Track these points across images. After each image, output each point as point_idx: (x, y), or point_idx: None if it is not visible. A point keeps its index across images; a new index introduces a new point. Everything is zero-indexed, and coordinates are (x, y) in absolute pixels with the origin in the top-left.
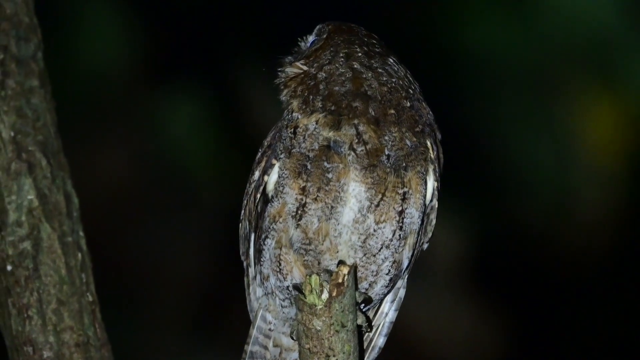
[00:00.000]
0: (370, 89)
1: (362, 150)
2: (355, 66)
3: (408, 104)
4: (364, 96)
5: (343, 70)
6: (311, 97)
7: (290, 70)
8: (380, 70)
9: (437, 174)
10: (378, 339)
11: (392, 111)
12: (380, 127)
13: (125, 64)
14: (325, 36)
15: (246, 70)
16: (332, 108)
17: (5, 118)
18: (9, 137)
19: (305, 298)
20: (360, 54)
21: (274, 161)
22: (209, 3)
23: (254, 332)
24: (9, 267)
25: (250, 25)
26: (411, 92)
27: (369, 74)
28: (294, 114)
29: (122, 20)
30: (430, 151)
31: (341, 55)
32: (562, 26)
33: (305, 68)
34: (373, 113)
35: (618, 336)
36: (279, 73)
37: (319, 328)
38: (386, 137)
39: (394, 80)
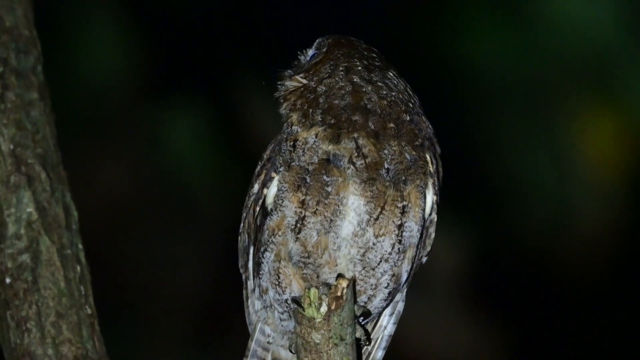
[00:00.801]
0: (370, 102)
1: (361, 164)
2: (355, 80)
3: (407, 118)
4: (364, 110)
5: (343, 84)
6: (311, 110)
7: (290, 84)
8: (380, 84)
9: (436, 188)
10: (377, 353)
11: (392, 125)
12: (380, 141)
13: (125, 77)
14: (325, 50)
15: (245, 83)
16: (332, 121)
17: (4, 131)
18: (9, 149)
19: (304, 311)
20: (360, 68)
21: (273, 174)
22: (209, 17)
23: (252, 345)
24: (7, 280)
25: (249, 38)
26: (411, 105)
27: (369, 88)
28: (293, 127)
29: (122, 34)
30: (430, 165)
31: (341, 68)
32: (561, 40)
33: (304, 81)
34: (372, 127)
35: (617, 350)
36: (279, 86)
37: (317, 341)
38: (386, 151)
39: (393, 94)
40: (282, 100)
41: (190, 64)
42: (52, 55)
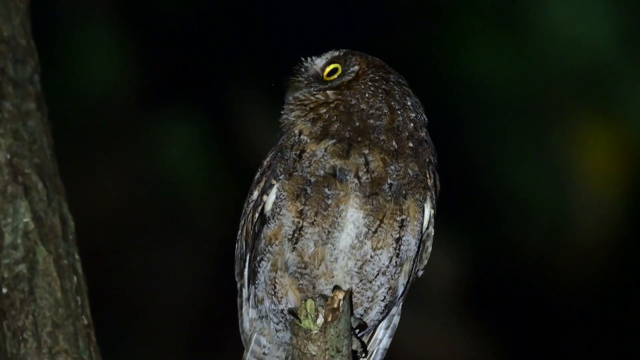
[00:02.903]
0: (401, 125)
1: (367, 179)
2: (392, 103)
3: (426, 138)
4: (394, 131)
5: (381, 105)
6: (337, 125)
7: (319, 97)
8: (410, 108)
9: (434, 202)
10: None
11: (411, 144)
12: (397, 159)
13: (121, 87)
14: (356, 68)
15: (241, 94)
16: (347, 136)
17: (1, 140)
18: (5, 159)
19: (301, 323)
20: (397, 92)
21: (273, 181)
22: (204, 28)
23: (248, 356)
24: (4, 290)
25: (244, 49)
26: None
27: (402, 112)
28: (302, 137)
29: (119, 45)
30: (428, 179)
31: (380, 91)
32: (559, 54)
33: (334, 97)
34: (396, 146)
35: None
36: (300, 96)
37: (314, 353)
38: (392, 167)
39: (418, 116)
40: (307, 110)
41: (186, 75)
42: (49, 65)
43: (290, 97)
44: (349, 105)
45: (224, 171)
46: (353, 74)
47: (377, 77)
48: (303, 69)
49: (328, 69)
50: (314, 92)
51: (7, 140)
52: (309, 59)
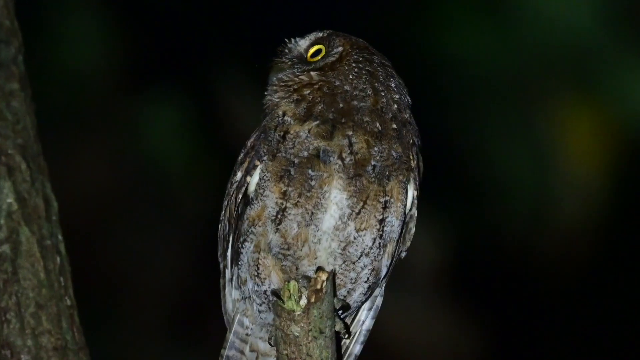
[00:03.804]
0: (385, 106)
1: (350, 160)
2: (376, 85)
3: (409, 120)
4: (378, 112)
5: (365, 86)
6: (321, 106)
7: (302, 78)
8: (394, 90)
9: (417, 183)
10: (354, 347)
11: (394, 126)
12: (381, 141)
13: (105, 69)
14: (340, 49)
15: (225, 76)
16: (330, 117)
17: None
18: None
19: (284, 304)
20: (380, 74)
21: (256, 162)
22: (189, 9)
23: (230, 337)
24: None
25: (229, 31)
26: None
27: (386, 94)
28: (286, 118)
29: (103, 25)
30: (412, 160)
31: (364, 72)
32: (542, 36)
33: (318, 78)
34: (380, 127)
35: (596, 343)
36: (278, 76)
37: (297, 334)
38: (376, 148)
39: (402, 97)
40: (291, 91)
41: (171, 57)
42: (33, 46)
43: (274, 78)
44: (332, 87)
45: (207, 152)
46: (337, 55)
47: (360, 59)
48: (287, 50)
49: (312, 50)
50: (297, 73)
51: None
52: (292, 40)
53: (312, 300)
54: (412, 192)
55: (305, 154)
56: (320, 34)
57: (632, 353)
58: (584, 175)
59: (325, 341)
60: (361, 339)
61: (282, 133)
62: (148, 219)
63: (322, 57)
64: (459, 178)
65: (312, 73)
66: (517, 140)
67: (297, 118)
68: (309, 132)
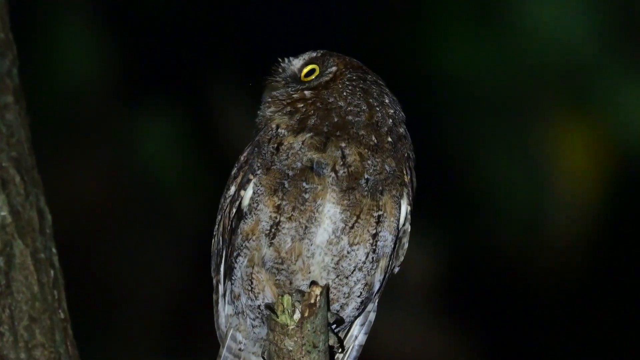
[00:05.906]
0: (380, 120)
1: (344, 173)
2: (370, 101)
3: (404, 134)
4: (374, 127)
5: (359, 102)
6: (314, 120)
7: (296, 96)
8: (389, 106)
9: (410, 199)
10: None
11: (390, 139)
12: (375, 154)
13: (100, 81)
14: (334, 69)
15: (220, 88)
16: (325, 130)
17: None
18: None
19: (277, 318)
20: (375, 91)
21: (250, 176)
22: (185, 22)
23: (223, 352)
24: None
25: (224, 44)
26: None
27: (381, 108)
28: (280, 131)
29: (98, 38)
30: (405, 175)
31: (358, 89)
32: (537, 51)
33: (310, 96)
34: (375, 141)
35: (590, 356)
36: (277, 95)
37: (290, 348)
38: (369, 161)
39: (396, 112)
40: (284, 104)
41: (166, 70)
42: (27, 58)
43: (267, 97)
44: (326, 103)
45: (202, 164)
46: (331, 75)
47: (354, 77)
48: (280, 70)
49: (306, 70)
50: (291, 92)
51: None
52: (286, 59)
53: (306, 314)
54: (405, 207)
55: (299, 164)
56: (314, 54)
57: None
58: (577, 190)
59: (319, 355)
60: (354, 354)
61: (275, 145)
62: (142, 231)
63: (316, 77)
64: (453, 192)
65: (306, 92)
66: (511, 155)
67: (291, 130)
68: (302, 143)
